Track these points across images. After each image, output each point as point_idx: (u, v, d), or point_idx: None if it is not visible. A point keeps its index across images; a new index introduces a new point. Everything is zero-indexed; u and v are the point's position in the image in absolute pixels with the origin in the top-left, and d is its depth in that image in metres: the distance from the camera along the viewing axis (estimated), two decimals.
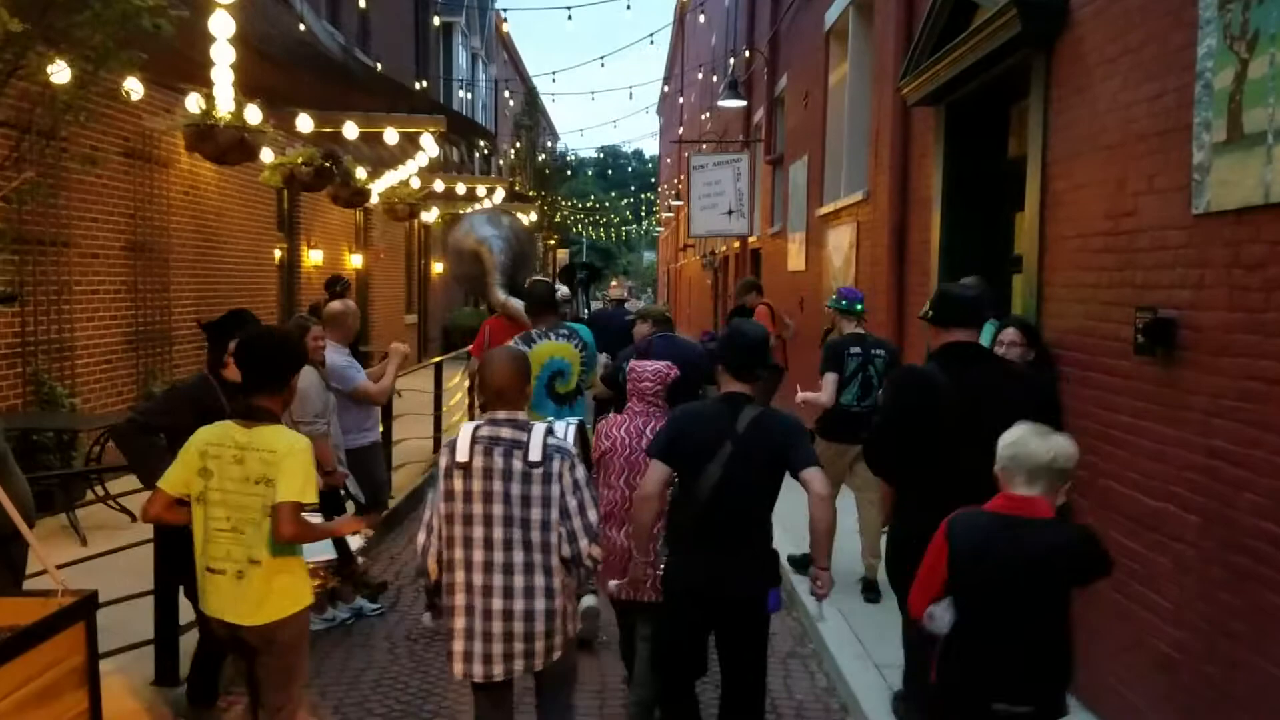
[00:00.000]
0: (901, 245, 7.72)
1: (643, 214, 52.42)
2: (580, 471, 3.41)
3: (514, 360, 3.55)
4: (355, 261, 16.49)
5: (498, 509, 3.35)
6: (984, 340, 6.10)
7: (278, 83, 8.16)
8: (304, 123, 8.62)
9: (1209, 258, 3.74)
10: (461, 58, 26.45)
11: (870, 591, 6.16)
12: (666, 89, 35.02)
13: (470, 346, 7.81)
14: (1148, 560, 4.12)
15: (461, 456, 3.37)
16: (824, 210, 10.53)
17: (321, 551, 3.81)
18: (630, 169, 79.66)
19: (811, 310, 11.18)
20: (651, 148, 68.31)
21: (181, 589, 4.33)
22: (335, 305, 6.05)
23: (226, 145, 6.27)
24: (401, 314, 20.50)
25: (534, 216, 22.24)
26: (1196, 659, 3.74)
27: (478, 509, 3.36)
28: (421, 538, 3.50)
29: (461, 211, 14.71)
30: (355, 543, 4.17)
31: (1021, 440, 2.99)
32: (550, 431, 3.43)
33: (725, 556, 3.59)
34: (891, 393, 4.22)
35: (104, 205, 8.69)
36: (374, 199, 12.84)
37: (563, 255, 49.58)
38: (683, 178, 28.90)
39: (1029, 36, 5.13)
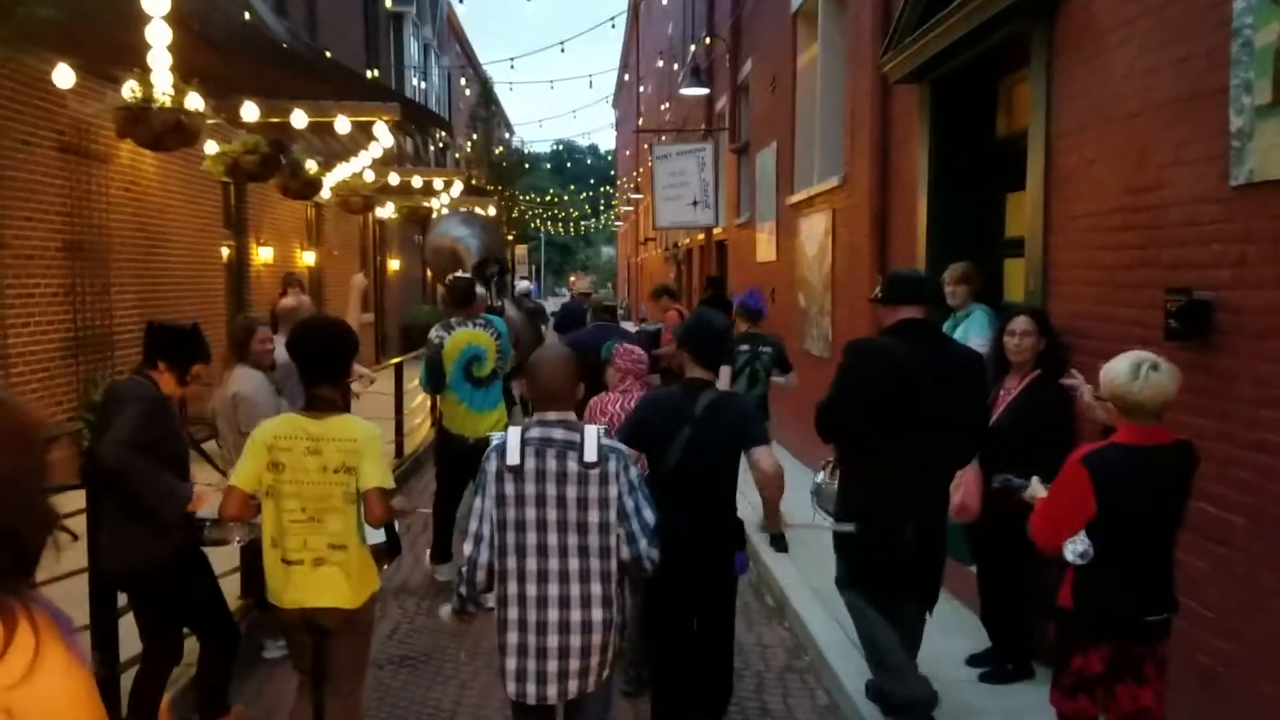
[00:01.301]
0: (883, 231, 7.39)
1: (601, 208, 51.94)
2: (635, 472, 3.29)
3: (564, 361, 3.40)
4: (308, 259, 15.91)
5: (553, 513, 3.19)
6: (983, 330, 5.88)
7: (220, 68, 7.64)
8: (249, 111, 8.11)
9: (1253, 232, 3.42)
10: (413, 48, 25.83)
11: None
12: (626, 78, 34.57)
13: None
14: (1184, 564, 3.79)
15: (512, 459, 3.19)
16: (795, 198, 10.19)
17: (375, 537, 3.73)
18: (588, 163, 79.12)
19: (785, 302, 10.84)
20: (608, 142, 67.89)
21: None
22: (287, 301, 5.64)
23: (161, 129, 5.73)
24: (438, 333, 19.81)
25: (492, 211, 21.74)
26: (1248, 674, 3.43)
27: (530, 514, 3.19)
28: (468, 549, 3.28)
29: (421, 205, 14.28)
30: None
31: (1149, 380, 3.11)
32: (602, 432, 3.28)
33: (689, 527, 3.74)
34: (852, 359, 4.34)
35: (37, 203, 8.13)
36: (326, 192, 12.30)
37: (521, 250, 49.05)
38: (643, 170, 28.49)
39: (1030, 3, 4.80)
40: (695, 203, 15.06)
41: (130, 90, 5.71)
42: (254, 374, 5.03)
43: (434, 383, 6.59)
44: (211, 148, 8.67)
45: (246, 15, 8.62)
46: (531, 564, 3.19)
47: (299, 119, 8.72)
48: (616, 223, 52.02)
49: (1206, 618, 3.66)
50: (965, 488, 4.67)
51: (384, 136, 9.97)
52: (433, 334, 6.63)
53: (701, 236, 17.87)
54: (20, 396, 7.45)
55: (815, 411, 4.38)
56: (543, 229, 53.24)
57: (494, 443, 3.29)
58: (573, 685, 3.20)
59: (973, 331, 6.02)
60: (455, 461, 6.54)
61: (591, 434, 3.23)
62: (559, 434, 3.23)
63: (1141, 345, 4.09)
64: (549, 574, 3.18)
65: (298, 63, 8.30)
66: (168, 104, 5.80)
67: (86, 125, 8.86)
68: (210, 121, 8.81)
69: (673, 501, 3.67)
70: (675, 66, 21.39)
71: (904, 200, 7.03)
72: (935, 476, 4.31)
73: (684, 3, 21.03)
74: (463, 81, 30.78)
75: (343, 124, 9.12)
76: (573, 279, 17.40)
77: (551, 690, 3.20)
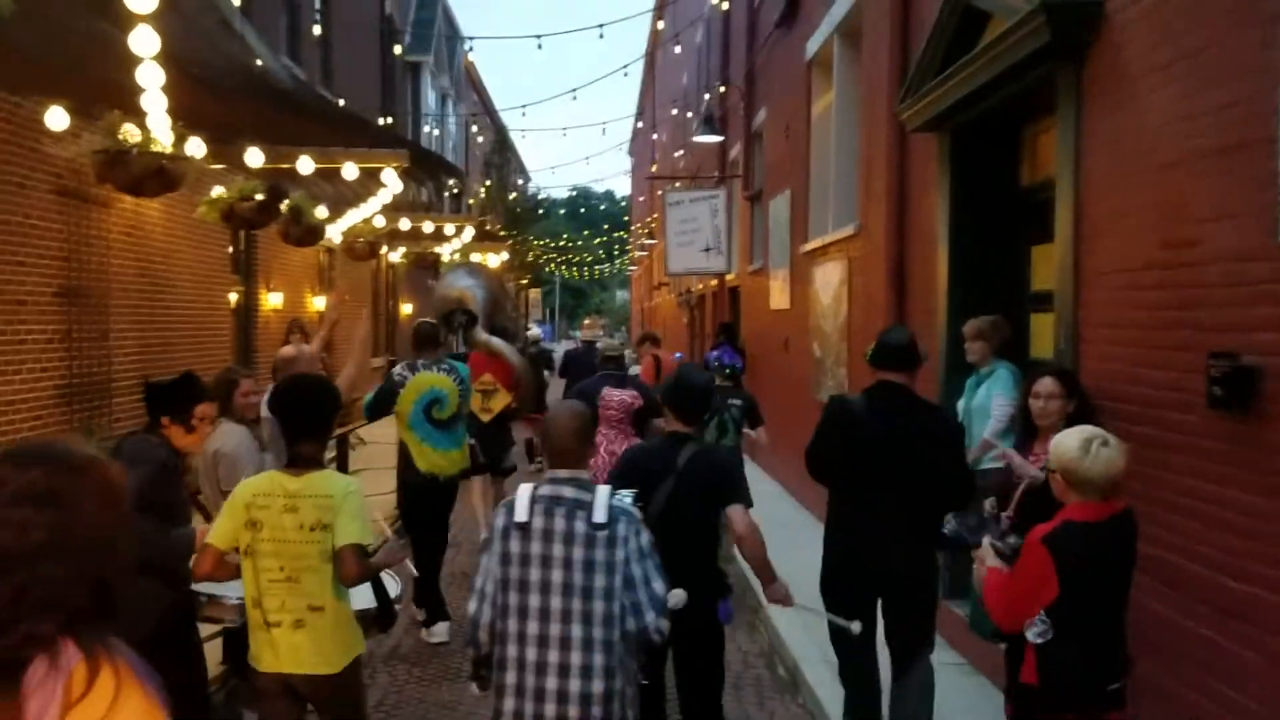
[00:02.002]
0: (901, 281, 7.13)
1: (615, 253, 51.96)
2: (646, 537, 3.19)
3: (577, 418, 3.37)
4: (318, 304, 15.75)
5: (557, 575, 3.09)
6: (1007, 388, 5.60)
7: (222, 113, 7.50)
8: (254, 157, 7.95)
9: None
10: (430, 98, 25.91)
11: None
12: (640, 125, 34.66)
13: None
14: (1231, 655, 3.48)
15: (520, 516, 3.14)
16: (809, 246, 9.96)
17: (361, 600, 3.74)
18: (602, 209, 79.39)
19: (799, 351, 10.57)
20: (623, 188, 68.10)
21: None
22: (286, 350, 5.44)
23: (142, 174, 5.51)
24: (368, 357, 19.75)
25: (505, 256, 21.61)
26: None
27: (535, 574, 3.11)
28: (473, 606, 3.23)
29: (429, 250, 14.15)
30: (393, 590, 4.10)
31: (1099, 455, 3.19)
32: (614, 494, 3.22)
33: (672, 576, 3.42)
34: (826, 413, 4.72)
35: (32, 247, 7.95)
36: (336, 238, 12.16)
37: (535, 295, 49.05)
38: (656, 216, 28.41)
39: (1059, 46, 4.56)
40: (707, 249, 14.84)
41: (111, 133, 5.46)
42: (236, 429, 4.80)
43: (376, 411, 6.82)
44: (218, 191, 8.52)
45: (259, 62, 8.50)
46: (532, 628, 3.08)
47: (305, 165, 8.55)
48: (630, 267, 52.00)
49: (1258, 715, 3.33)
50: (988, 559, 4.39)
51: (393, 183, 9.79)
52: (396, 370, 6.91)
53: (714, 283, 17.66)
54: (10, 444, 7.26)
55: (805, 455, 4.76)
56: (557, 273, 53.27)
57: (504, 500, 3.28)
58: None
59: (995, 390, 5.75)
60: (416, 500, 6.75)
61: (603, 494, 3.15)
62: (569, 492, 3.16)
63: (1180, 412, 3.83)
64: (549, 639, 3.07)
65: (303, 108, 8.13)
66: (153, 147, 5.54)
67: (86, 169, 8.71)
68: (216, 167, 8.69)
69: (660, 542, 3.65)
70: (689, 115, 21.33)
71: (922, 250, 6.78)
72: (902, 527, 4.38)
73: (698, 53, 21.03)
74: (475, 129, 30.79)
75: (350, 170, 8.95)
76: (586, 323, 17.73)
77: None
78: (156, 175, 5.51)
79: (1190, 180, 3.78)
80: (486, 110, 35.88)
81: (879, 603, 4.49)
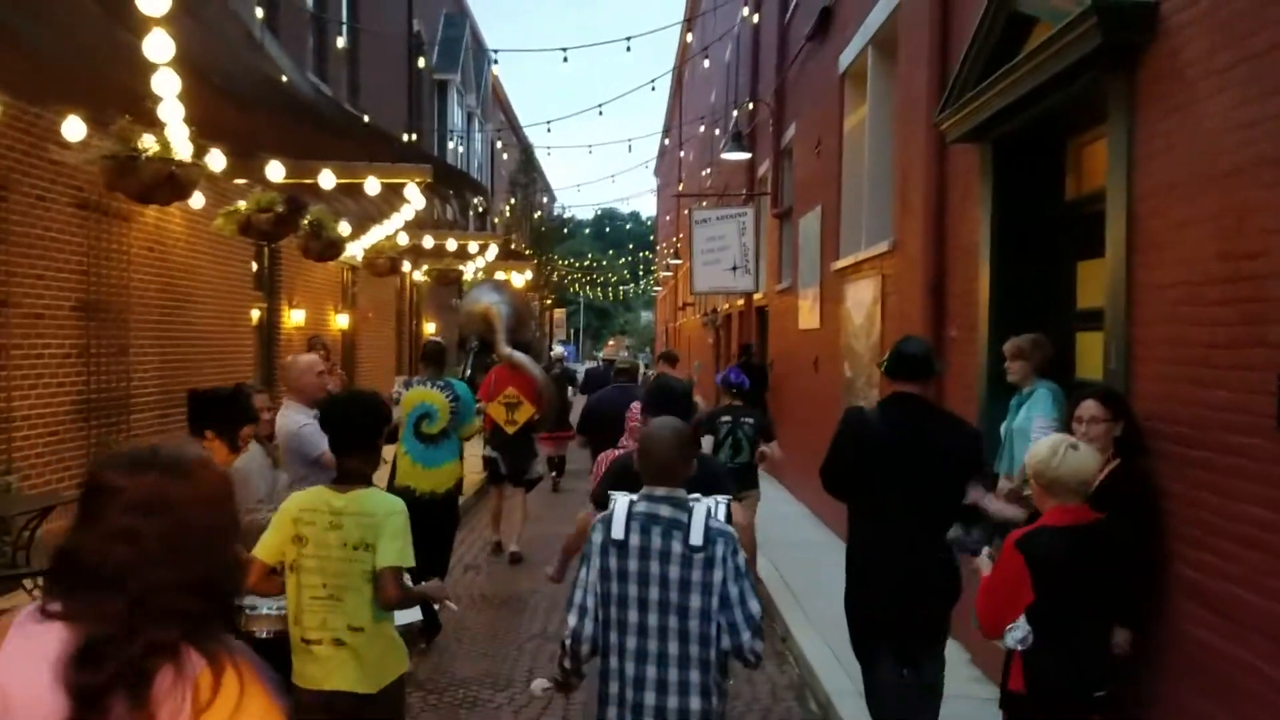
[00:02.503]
0: (939, 298, 6.88)
1: (640, 273, 51.84)
2: (741, 558, 3.15)
3: (677, 435, 3.31)
4: (341, 322, 15.66)
5: (654, 593, 3.10)
6: (1047, 410, 5.36)
7: (244, 125, 7.38)
8: (275, 170, 7.82)
9: None
10: (457, 116, 25.90)
11: None
12: (667, 141, 34.54)
13: (479, 393, 8.86)
14: None
15: (617, 534, 3.15)
16: (841, 264, 9.73)
17: (408, 616, 3.74)
18: (628, 229, 79.39)
19: (828, 372, 10.33)
20: (649, 208, 68.04)
21: None
22: (289, 359, 5.26)
23: (152, 181, 5.35)
24: (392, 377, 19.62)
25: (529, 275, 21.47)
26: None
27: (633, 591, 3.12)
28: (573, 620, 3.22)
29: (452, 268, 14.06)
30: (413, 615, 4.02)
31: (1067, 458, 3.35)
32: (710, 513, 3.18)
33: None
34: (838, 428, 4.70)
35: (50, 260, 7.85)
36: (358, 253, 12.05)
37: (559, 315, 48.98)
38: (682, 235, 28.23)
39: (1110, 50, 4.33)
40: (734, 268, 14.65)
41: (122, 139, 5.29)
42: (250, 447, 4.62)
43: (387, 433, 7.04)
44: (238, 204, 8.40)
45: (284, 78, 8.39)
46: (631, 642, 3.12)
47: (327, 179, 8.42)
48: (655, 288, 51.87)
49: None
50: (983, 569, 4.16)
51: (416, 199, 9.66)
52: (395, 387, 7.42)
53: (741, 302, 17.44)
54: (24, 461, 7.11)
55: (819, 471, 4.73)
56: (582, 293, 53.21)
57: (600, 514, 3.31)
58: None
59: (1036, 412, 5.50)
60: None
61: (700, 515, 3.13)
62: (665, 511, 3.15)
63: (1244, 435, 3.57)
64: (648, 655, 3.11)
65: (326, 122, 8.00)
66: (154, 150, 5.36)
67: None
68: (239, 181, 8.58)
69: None
70: (717, 131, 21.17)
71: (962, 266, 6.54)
72: (919, 536, 4.32)
73: (726, 69, 20.89)
74: (499, 145, 30.72)
75: (373, 185, 8.82)
76: (610, 343, 18.31)
77: None
78: (167, 182, 5.34)
79: (1255, 189, 3.54)
80: (513, 129, 35.91)
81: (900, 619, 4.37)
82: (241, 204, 7.81)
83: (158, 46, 4.66)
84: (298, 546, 3.39)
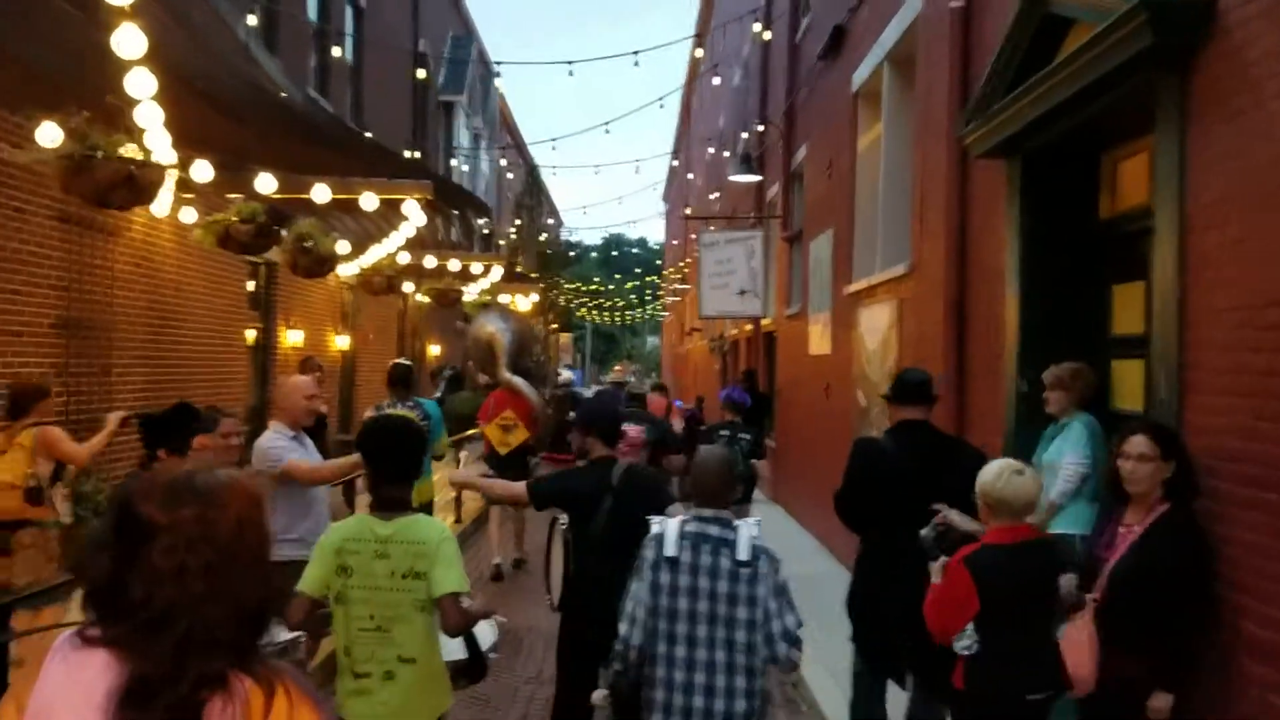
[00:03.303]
0: (960, 324, 6.49)
1: (647, 298, 51.50)
2: (783, 574, 3.47)
3: (725, 463, 3.69)
4: (340, 343, 15.30)
5: (703, 606, 3.39)
6: (1079, 445, 4.97)
7: (233, 136, 7.05)
8: (265, 183, 7.47)
9: None
10: (464, 137, 25.67)
11: None
12: (676, 163, 34.29)
13: (479, 415, 9.73)
14: None
15: (670, 551, 3.43)
16: (854, 287, 9.35)
17: (453, 652, 3.63)
18: (635, 253, 79.14)
19: (840, 399, 9.93)
20: (656, 234, 67.78)
21: None
22: (280, 379, 4.92)
23: (107, 183, 4.94)
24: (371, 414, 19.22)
25: (534, 298, 21.15)
26: None
27: (683, 604, 3.40)
28: (624, 629, 3.49)
29: (452, 288, 13.77)
30: (487, 640, 3.91)
31: (1010, 481, 3.63)
32: (754, 533, 3.50)
33: (612, 583, 3.83)
34: (851, 457, 4.84)
35: (28, 275, 7.50)
36: (355, 269, 11.72)
37: (565, 339, 48.60)
38: (689, 260, 27.91)
39: (1161, 51, 3.96)
40: (743, 292, 14.28)
41: (80, 138, 4.89)
42: None
43: None
44: (189, 213, 8.04)
45: (284, 96, 8.07)
46: (680, 651, 3.40)
47: (321, 193, 8.08)
48: (662, 313, 51.54)
49: None
50: (1076, 652, 3.74)
51: (416, 216, 9.32)
52: (368, 413, 7.26)
53: (749, 328, 17.06)
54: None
55: (833, 501, 4.86)
56: (588, 318, 52.87)
57: (652, 531, 3.55)
58: None
59: (1069, 447, 5.12)
60: None
61: (745, 533, 3.45)
62: (714, 530, 3.46)
63: None
64: (696, 663, 3.38)
65: (321, 135, 7.67)
66: (111, 147, 4.96)
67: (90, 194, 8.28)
68: (233, 196, 8.22)
69: (600, 560, 4.23)
70: (726, 154, 20.86)
71: (986, 289, 6.15)
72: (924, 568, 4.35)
73: (735, 93, 20.61)
74: (504, 162, 30.40)
75: (369, 201, 8.48)
76: (617, 368, 18.98)
77: None
78: (125, 184, 4.94)
79: None
80: (519, 150, 35.68)
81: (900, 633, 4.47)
82: (221, 215, 7.42)
83: (128, 42, 4.31)
84: (342, 578, 3.28)
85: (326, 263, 8.50)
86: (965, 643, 3.62)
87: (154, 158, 6.29)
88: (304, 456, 4.87)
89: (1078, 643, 3.74)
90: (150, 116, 5.40)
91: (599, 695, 3.99)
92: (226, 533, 1.53)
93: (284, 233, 8.12)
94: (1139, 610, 3.61)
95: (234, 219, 7.23)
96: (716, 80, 18.69)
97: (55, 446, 6.17)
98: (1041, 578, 3.68)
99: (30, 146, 4.80)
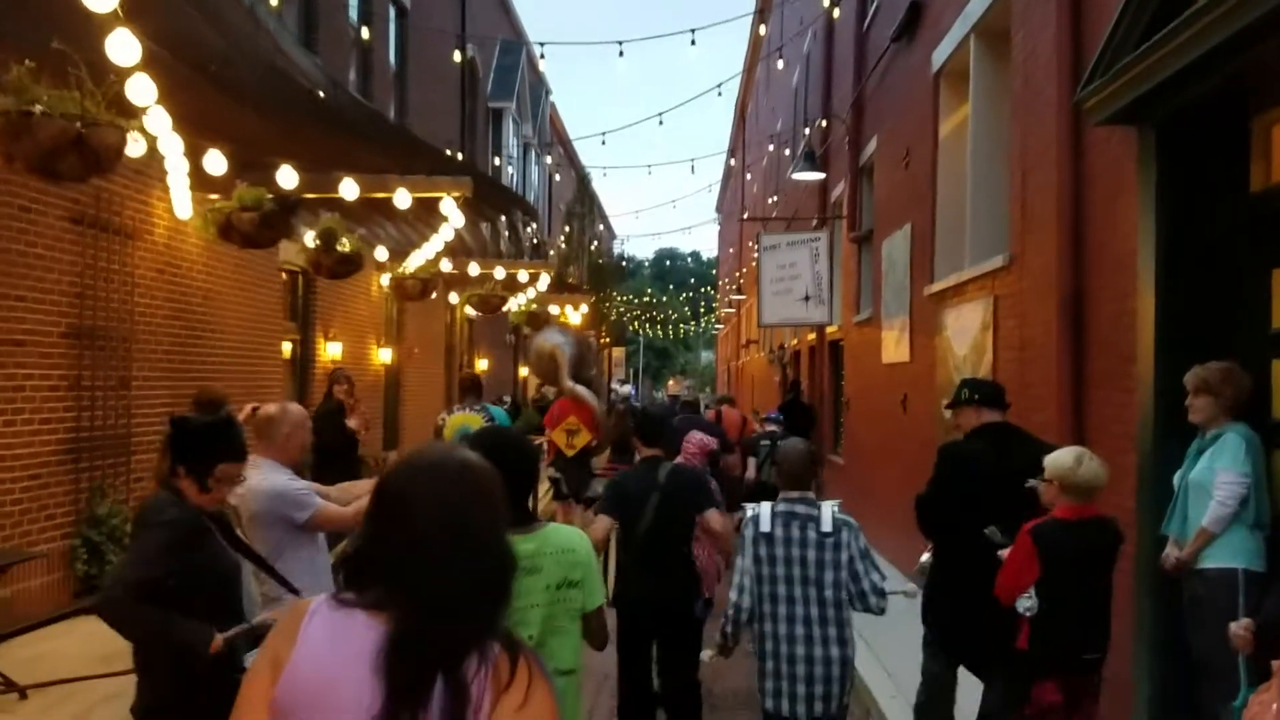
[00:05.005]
0: (1076, 322, 5.59)
1: (701, 310, 50.65)
2: (863, 540, 4.12)
3: (806, 454, 4.35)
4: (384, 356, 14.67)
5: (796, 571, 4.07)
6: (1237, 460, 4.14)
7: (251, 125, 6.37)
8: (287, 177, 6.79)
9: None
10: (513, 145, 25.06)
11: None
12: (732, 162, 33.39)
13: (545, 422, 10.77)
14: None
15: (765, 528, 4.11)
16: (936, 287, 8.46)
17: None
18: (689, 267, 78.31)
19: (919, 411, 9.03)
20: (709, 247, 66.87)
21: None
22: (268, 409, 4.09)
23: (52, 144, 4.11)
24: (442, 416, 18.59)
25: (584, 309, 20.43)
26: None
27: (780, 571, 4.08)
28: (734, 596, 4.14)
29: (494, 295, 13.11)
30: None
31: (1088, 466, 3.97)
32: (835, 510, 4.14)
33: (660, 573, 4.81)
34: (941, 462, 4.80)
35: (36, 280, 6.90)
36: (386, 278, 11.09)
37: (619, 354, 47.95)
38: (746, 270, 27.01)
39: None
40: (807, 298, 13.39)
41: (18, 92, 4.12)
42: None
43: None
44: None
45: (321, 90, 7.41)
46: (782, 609, 4.05)
47: (349, 189, 7.40)
48: (717, 326, 50.68)
49: None
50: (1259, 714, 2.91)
51: (455, 216, 8.63)
52: (439, 416, 8.66)
53: (812, 336, 16.15)
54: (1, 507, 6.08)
55: (915, 507, 4.88)
56: (641, 332, 52.16)
57: (748, 514, 4.21)
58: (817, 707, 4.01)
59: (1223, 463, 4.27)
60: None
61: (827, 510, 4.11)
62: (801, 509, 4.12)
63: None
64: (795, 618, 4.04)
65: (346, 124, 6.97)
66: (69, 108, 4.17)
67: (110, 195, 7.69)
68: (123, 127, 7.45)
69: (648, 553, 4.80)
70: (787, 152, 19.98)
71: (1111, 281, 5.25)
72: None
73: (794, 93, 19.75)
74: (549, 160, 29.47)
75: (403, 198, 7.79)
76: (671, 383, 19.66)
77: (800, 709, 4.02)
78: (73, 147, 4.16)
79: None
80: (570, 161, 35.02)
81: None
82: (224, 202, 6.71)
83: None
84: None
85: (351, 262, 7.78)
86: (1027, 604, 3.98)
87: (159, 146, 5.68)
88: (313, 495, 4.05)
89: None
90: (143, 91, 4.72)
91: (706, 654, 4.73)
92: (469, 506, 1.67)
93: (301, 226, 7.42)
94: None
95: (235, 206, 6.50)
96: (780, 64, 17.76)
97: None
98: (1100, 550, 4.04)
99: None
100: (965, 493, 4.59)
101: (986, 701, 4.62)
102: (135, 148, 5.77)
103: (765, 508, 4.14)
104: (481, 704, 1.56)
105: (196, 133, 6.19)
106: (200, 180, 6.90)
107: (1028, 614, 3.96)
